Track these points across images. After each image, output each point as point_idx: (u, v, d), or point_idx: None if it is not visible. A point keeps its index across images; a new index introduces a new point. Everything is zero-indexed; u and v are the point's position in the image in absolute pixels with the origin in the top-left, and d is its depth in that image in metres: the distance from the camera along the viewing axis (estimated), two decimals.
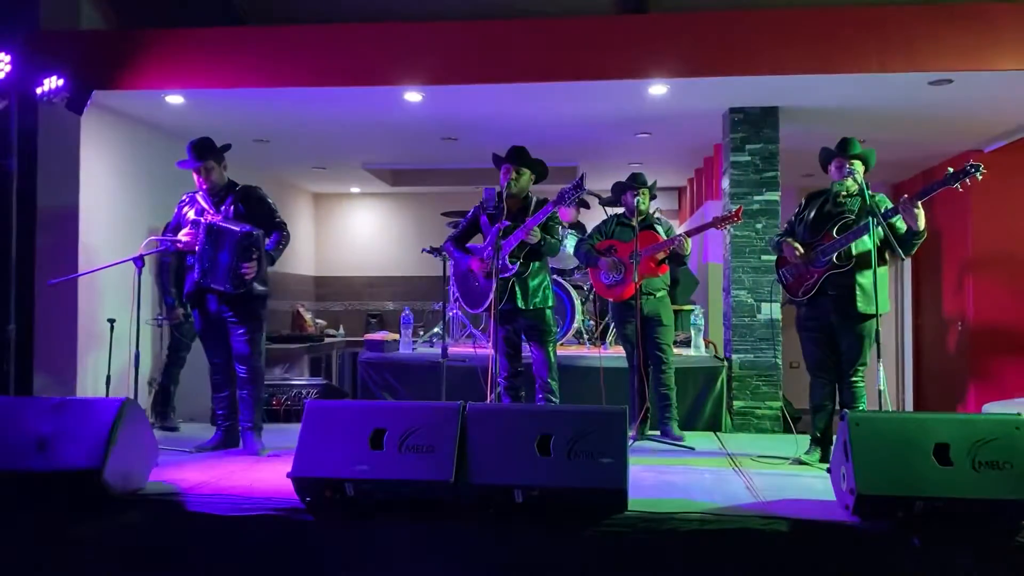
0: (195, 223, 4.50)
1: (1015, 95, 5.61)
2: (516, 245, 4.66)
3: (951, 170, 3.88)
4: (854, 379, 4.25)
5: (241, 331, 4.52)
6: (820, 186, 4.56)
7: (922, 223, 3.97)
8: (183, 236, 4.53)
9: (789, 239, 4.39)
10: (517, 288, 4.73)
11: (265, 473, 3.98)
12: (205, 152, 4.55)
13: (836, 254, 4.16)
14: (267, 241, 4.52)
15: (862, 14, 5.20)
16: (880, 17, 5.16)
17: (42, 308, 5.24)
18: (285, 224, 4.64)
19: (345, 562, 3.23)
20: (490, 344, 4.92)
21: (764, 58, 5.26)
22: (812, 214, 4.36)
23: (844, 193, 4.28)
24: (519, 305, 4.73)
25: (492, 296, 4.62)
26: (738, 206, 5.11)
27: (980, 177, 3.82)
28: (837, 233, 4.17)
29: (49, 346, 5.33)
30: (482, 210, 4.93)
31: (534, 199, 4.86)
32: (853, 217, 4.18)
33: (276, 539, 3.28)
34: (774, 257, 4.63)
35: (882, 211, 4.07)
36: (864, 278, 4.13)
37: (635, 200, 4.96)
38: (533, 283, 4.78)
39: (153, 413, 5.72)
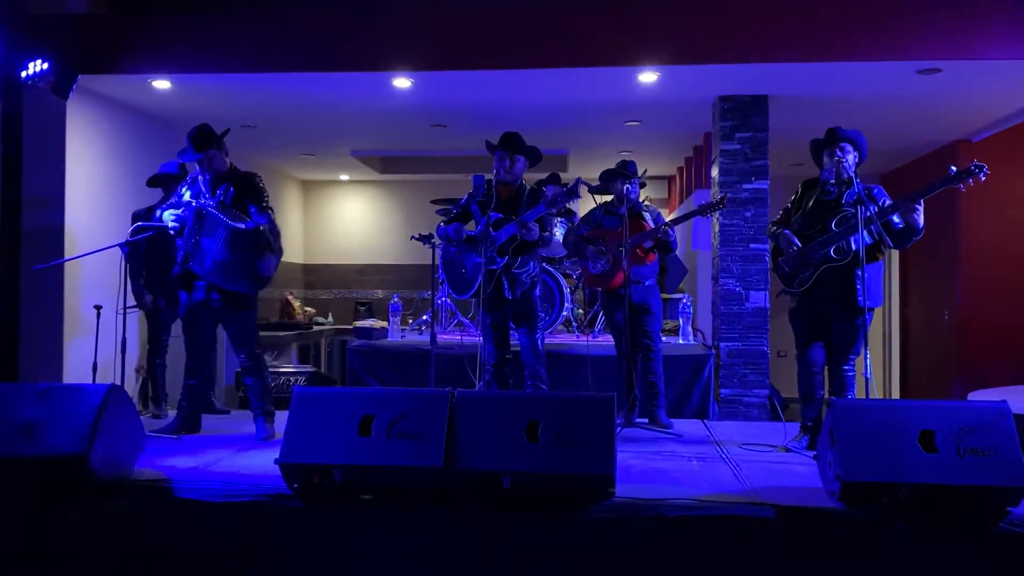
0: (187, 205, 4.46)
1: (1003, 84, 5.63)
2: (507, 238, 4.65)
3: (954, 169, 3.87)
4: (845, 367, 4.27)
5: (235, 320, 4.52)
6: (816, 174, 4.54)
7: (921, 221, 3.98)
8: (169, 215, 4.49)
9: (787, 232, 4.37)
10: (504, 277, 4.73)
11: (253, 459, 3.97)
12: (205, 143, 4.46)
13: (834, 248, 4.17)
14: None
15: (852, 2, 5.20)
16: (870, 5, 5.16)
17: (28, 293, 5.20)
18: (272, 210, 4.55)
19: (333, 548, 3.23)
20: (479, 332, 4.92)
21: (754, 46, 5.26)
22: (810, 204, 4.34)
23: (832, 181, 4.27)
24: (505, 295, 4.74)
25: (479, 283, 4.61)
26: (723, 194, 5.11)
27: (983, 178, 3.80)
28: (835, 227, 4.16)
29: (35, 331, 5.29)
30: (473, 198, 4.91)
31: (527, 188, 4.84)
32: (852, 211, 4.15)
33: (264, 525, 3.28)
34: (763, 246, 4.64)
35: (880, 206, 4.08)
36: (865, 273, 4.13)
37: (623, 188, 4.95)
38: (521, 274, 4.77)
39: (140, 400, 5.70)
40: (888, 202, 4.17)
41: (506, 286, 4.73)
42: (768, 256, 4.74)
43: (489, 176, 4.79)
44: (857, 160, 4.26)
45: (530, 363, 4.83)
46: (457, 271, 4.92)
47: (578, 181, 4.58)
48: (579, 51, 5.37)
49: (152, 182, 5.49)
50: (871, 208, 4.04)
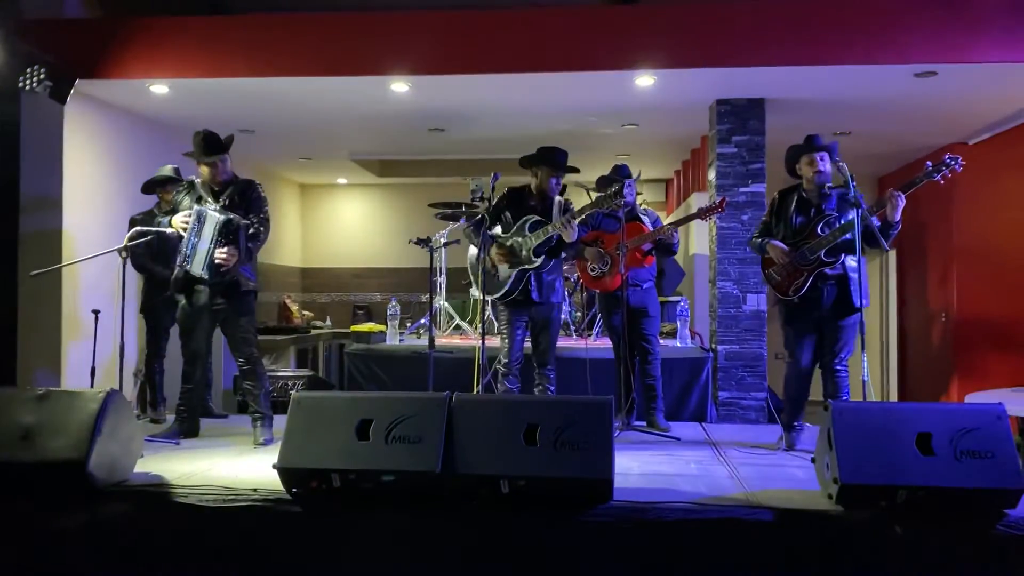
0: (196, 212, 4.48)
1: (998, 87, 5.65)
2: (544, 239, 4.70)
3: (930, 164, 3.98)
4: (838, 368, 4.31)
5: (236, 323, 4.54)
6: (792, 182, 4.58)
7: (898, 215, 4.07)
8: (179, 220, 4.51)
9: (775, 241, 4.41)
10: (533, 280, 4.75)
11: (251, 464, 3.97)
12: (219, 146, 4.54)
13: (825, 251, 4.21)
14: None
15: (848, 5, 5.22)
16: (866, 8, 5.18)
17: (25, 298, 5.20)
18: (268, 221, 4.61)
19: (331, 553, 3.23)
20: (477, 335, 4.91)
21: (750, 50, 5.27)
22: (792, 212, 4.40)
23: (830, 184, 4.33)
24: (533, 297, 4.76)
25: (511, 283, 4.66)
26: (722, 197, 5.14)
27: (960, 169, 3.92)
28: (822, 231, 4.22)
29: (33, 336, 5.29)
30: (505, 203, 4.92)
31: (556, 198, 4.87)
32: (836, 214, 4.23)
33: (262, 530, 3.28)
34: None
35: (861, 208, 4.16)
36: (854, 272, 4.22)
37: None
38: (549, 278, 4.80)
39: (139, 404, 5.70)
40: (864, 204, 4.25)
41: (534, 288, 4.75)
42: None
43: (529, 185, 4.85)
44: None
45: (543, 367, 4.86)
46: (489, 271, 4.91)
47: (626, 180, 4.62)
48: (577, 55, 5.38)
49: (146, 188, 5.50)
50: (855, 211, 4.12)
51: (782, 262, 4.36)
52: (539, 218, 4.76)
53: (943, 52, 5.10)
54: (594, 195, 5.21)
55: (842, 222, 4.18)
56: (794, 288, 4.33)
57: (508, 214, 4.85)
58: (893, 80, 5.49)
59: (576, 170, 4.97)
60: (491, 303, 5.44)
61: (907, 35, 5.13)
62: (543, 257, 4.73)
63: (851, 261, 4.21)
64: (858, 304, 4.16)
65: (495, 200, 4.91)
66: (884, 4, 5.19)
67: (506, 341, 4.82)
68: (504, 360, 4.82)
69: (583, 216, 4.78)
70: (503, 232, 4.84)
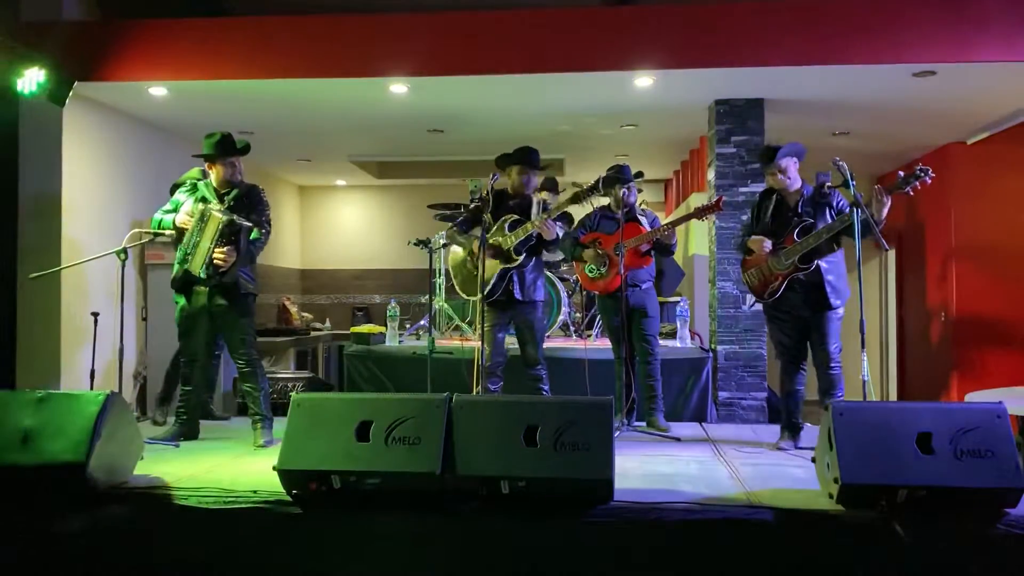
0: (199, 211, 4.48)
1: (997, 87, 5.65)
2: (524, 238, 4.72)
3: (901, 174, 4.01)
4: (831, 365, 4.33)
5: (235, 325, 4.54)
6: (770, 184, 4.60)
7: (885, 212, 4.07)
8: (180, 219, 4.52)
9: (756, 237, 4.44)
10: (515, 280, 4.75)
11: (251, 466, 3.97)
12: (235, 148, 4.57)
13: (799, 257, 4.26)
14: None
15: (846, 5, 5.22)
16: (864, 8, 5.19)
17: (25, 301, 5.19)
18: (269, 225, 4.64)
19: (332, 554, 3.22)
20: (476, 336, 4.91)
21: (749, 50, 5.28)
22: (771, 214, 4.44)
23: (828, 184, 4.35)
24: (516, 296, 4.76)
25: (493, 283, 4.66)
26: (719, 196, 5.15)
27: (929, 181, 3.94)
28: (799, 237, 4.25)
29: (32, 339, 5.28)
30: (486, 204, 4.92)
31: (534, 197, 4.90)
32: (811, 220, 4.27)
33: (262, 532, 3.27)
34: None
35: (837, 208, 4.27)
36: (831, 274, 4.28)
37: (621, 193, 4.97)
38: (531, 276, 4.81)
39: (138, 406, 5.69)
40: (843, 202, 4.29)
41: (516, 287, 4.76)
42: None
43: (493, 185, 4.82)
44: (797, 164, 4.42)
45: (532, 367, 4.85)
46: (470, 272, 4.92)
47: (599, 180, 4.66)
48: (576, 56, 5.38)
49: (175, 190, 5.51)
50: (833, 211, 4.27)
51: (762, 254, 4.39)
52: (518, 217, 4.78)
53: (942, 52, 5.11)
54: (596, 200, 5.22)
55: (818, 227, 4.23)
56: (768, 292, 4.41)
57: (488, 216, 4.86)
58: (892, 80, 5.49)
59: (547, 167, 4.96)
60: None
61: (906, 35, 5.13)
62: (524, 255, 4.75)
63: (824, 263, 4.27)
64: (832, 303, 4.26)
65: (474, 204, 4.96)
66: (883, 4, 5.19)
67: (487, 343, 4.83)
68: (487, 362, 4.83)
69: (562, 211, 4.79)
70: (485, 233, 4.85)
